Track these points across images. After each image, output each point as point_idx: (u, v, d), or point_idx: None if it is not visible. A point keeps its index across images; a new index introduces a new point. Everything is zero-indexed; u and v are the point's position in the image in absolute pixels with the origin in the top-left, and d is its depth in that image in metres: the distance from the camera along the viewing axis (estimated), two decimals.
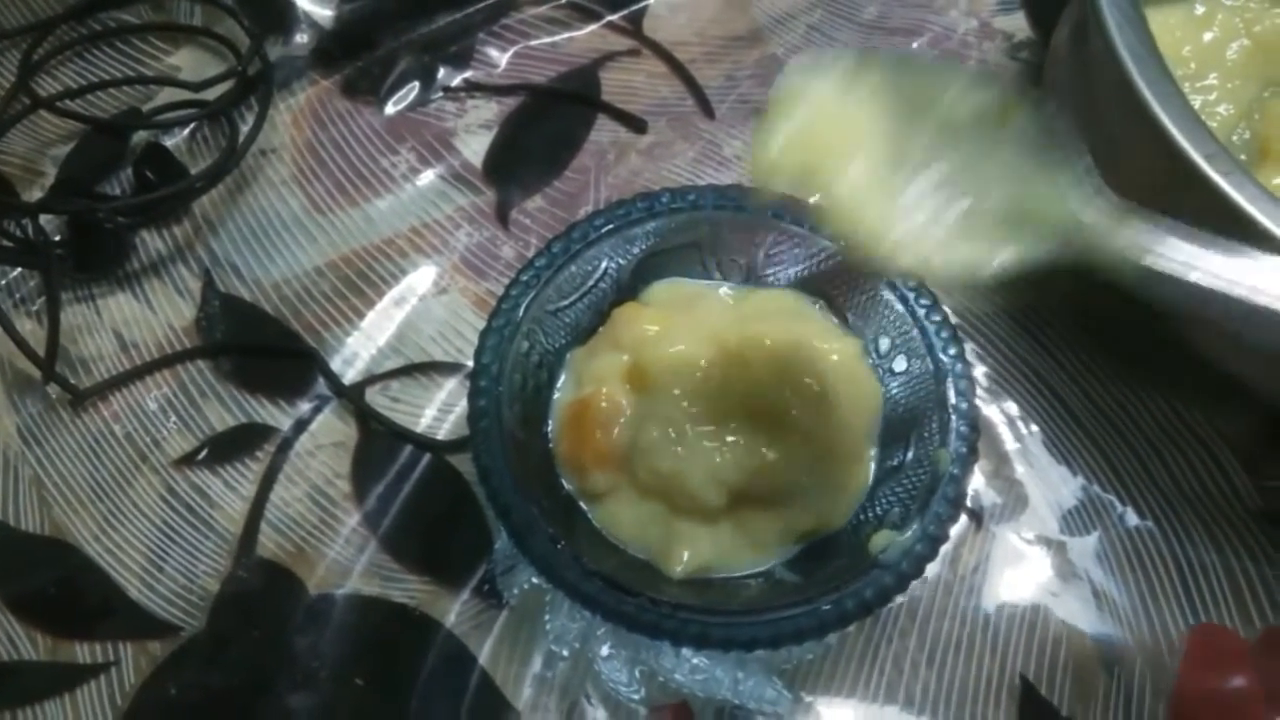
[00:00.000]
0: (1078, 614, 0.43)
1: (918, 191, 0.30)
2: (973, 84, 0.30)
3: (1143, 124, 0.37)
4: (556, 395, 0.42)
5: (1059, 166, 0.29)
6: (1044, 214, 0.29)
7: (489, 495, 0.37)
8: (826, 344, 0.41)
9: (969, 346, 0.48)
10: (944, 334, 0.40)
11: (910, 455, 0.40)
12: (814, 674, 0.42)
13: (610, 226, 0.42)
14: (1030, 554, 0.44)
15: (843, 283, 0.43)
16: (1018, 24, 0.58)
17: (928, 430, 0.39)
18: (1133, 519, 0.45)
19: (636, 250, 0.43)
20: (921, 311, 0.41)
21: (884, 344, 0.42)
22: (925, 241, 0.30)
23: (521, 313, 0.40)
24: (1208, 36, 0.45)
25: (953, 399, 0.39)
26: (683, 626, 0.35)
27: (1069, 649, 0.42)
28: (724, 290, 0.44)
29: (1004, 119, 0.30)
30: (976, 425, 0.38)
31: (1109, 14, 0.39)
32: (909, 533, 0.36)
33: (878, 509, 0.39)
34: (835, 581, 0.36)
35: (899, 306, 0.41)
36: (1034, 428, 0.46)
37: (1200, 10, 0.46)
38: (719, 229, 0.43)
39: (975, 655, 0.42)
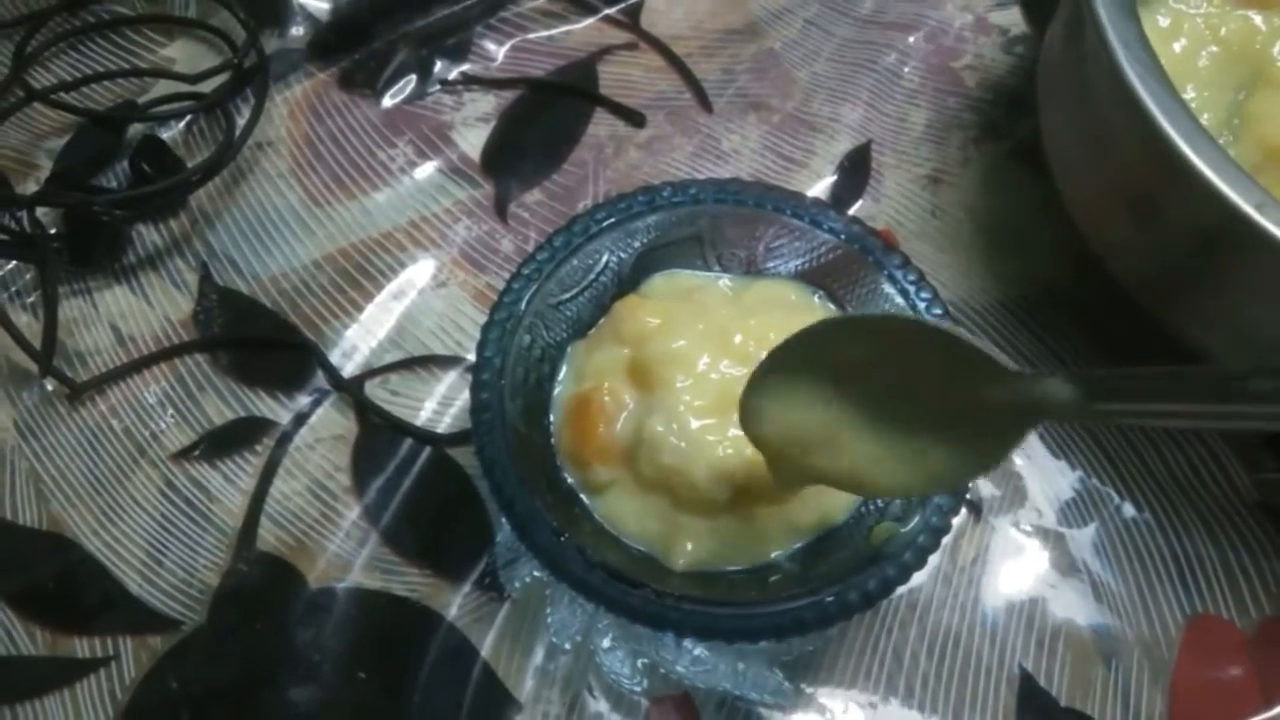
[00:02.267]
0: (1076, 605, 0.43)
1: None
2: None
3: (1133, 116, 0.38)
4: (558, 389, 0.42)
5: (984, 368, 0.30)
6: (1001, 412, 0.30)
7: (493, 488, 0.37)
8: None
9: None
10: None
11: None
12: (814, 665, 0.42)
13: (611, 220, 0.42)
14: (1029, 546, 0.44)
15: (842, 275, 0.43)
16: (1013, 19, 0.58)
17: None
18: (1130, 511, 0.45)
19: (637, 243, 0.43)
20: (922, 305, 0.41)
21: None
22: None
23: (524, 306, 0.40)
24: (1177, 47, 0.46)
25: None
26: (687, 618, 0.35)
27: (1067, 640, 0.43)
28: (724, 282, 0.44)
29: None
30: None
31: (1101, 7, 0.40)
32: (911, 524, 0.36)
33: (879, 500, 0.39)
34: (838, 573, 0.37)
35: (899, 300, 0.41)
36: None
37: (1165, 22, 0.46)
38: (719, 222, 0.43)
39: (974, 646, 0.43)
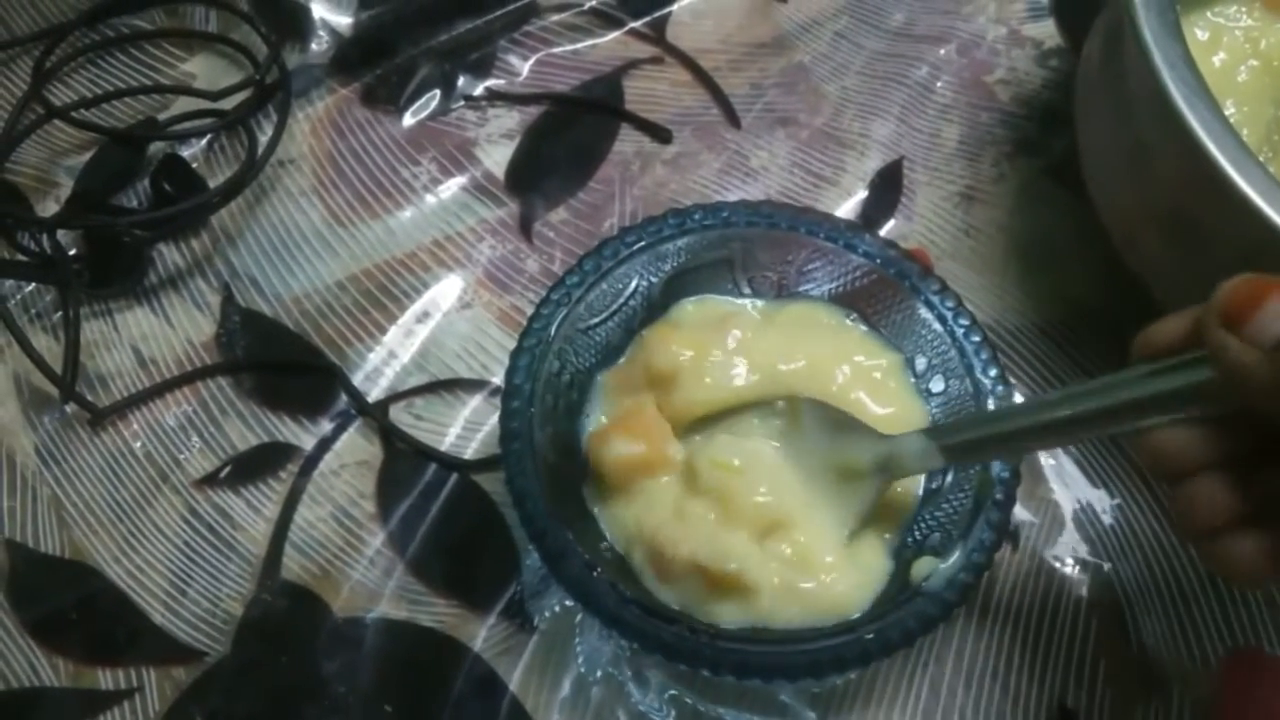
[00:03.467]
0: (1115, 637, 0.42)
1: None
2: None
3: (1177, 136, 0.37)
4: (587, 421, 0.41)
5: (852, 433, 0.38)
6: (862, 467, 0.37)
7: (523, 520, 0.36)
8: (868, 359, 0.41)
9: (1002, 361, 0.47)
10: (983, 355, 0.39)
11: (949, 478, 0.39)
12: (848, 698, 0.41)
13: (642, 243, 0.42)
14: (1067, 577, 0.43)
15: (877, 300, 0.42)
16: (1047, 31, 0.57)
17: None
18: (1170, 541, 0.44)
19: (668, 267, 0.43)
20: (960, 330, 0.40)
21: (920, 363, 0.41)
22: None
23: (553, 332, 0.40)
24: (1216, 61, 0.45)
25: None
26: (722, 655, 0.34)
27: (1107, 672, 0.42)
28: (755, 307, 0.43)
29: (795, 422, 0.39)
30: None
31: (1146, 27, 0.39)
32: (951, 560, 0.36)
33: (918, 534, 0.38)
34: (877, 609, 0.36)
35: (936, 326, 0.40)
36: (1070, 447, 0.46)
37: (1204, 36, 0.45)
38: (751, 245, 0.43)
39: (1013, 680, 0.42)
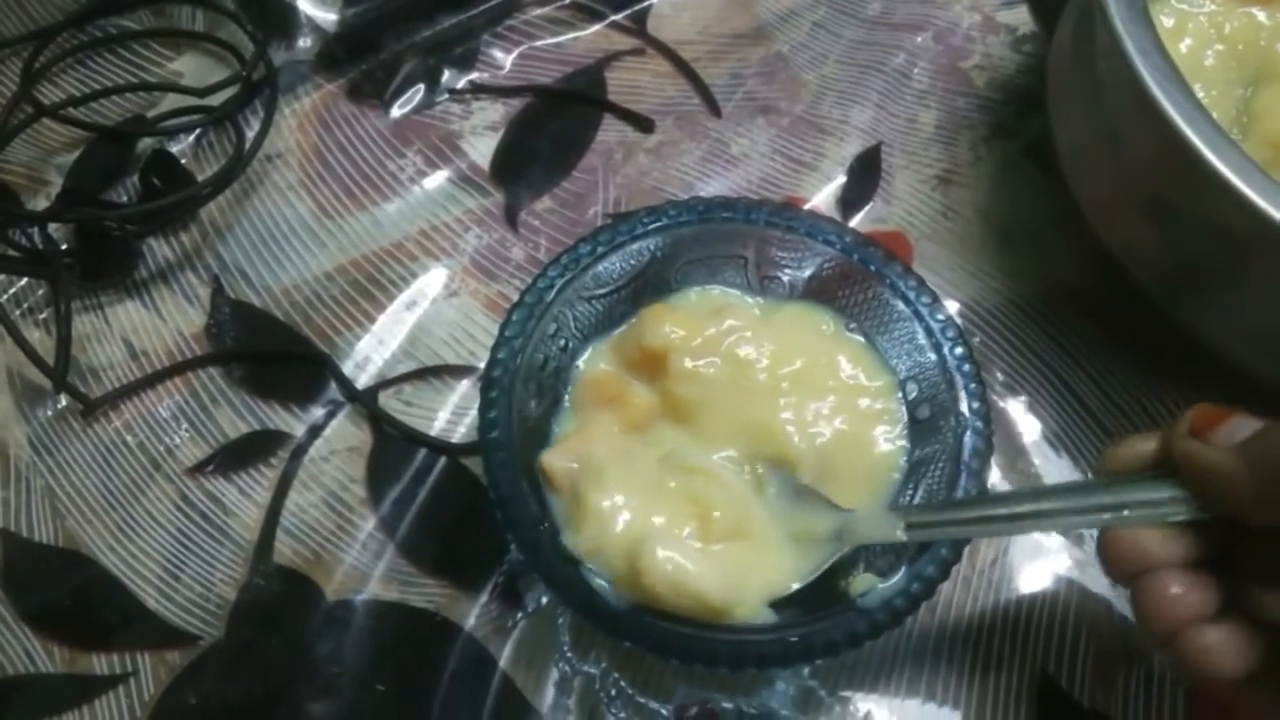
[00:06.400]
0: (1096, 605, 0.43)
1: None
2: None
3: (1151, 119, 0.37)
4: (579, 367, 0.42)
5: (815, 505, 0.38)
6: (820, 533, 0.37)
7: (487, 472, 0.37)
8: (865, 377, 0.41)
9: (979, 340, 0.48)
10: (972, 385, 0.39)
11: (915, 501, 0.39)
12: (836, 670, 0.42)
13: (659, 224, 0.42)
14: (1048, 546, 0.44)
15: (876, 316, 0.42)
16: (1021, 18, 0.58)
17: (935, 482, 0.39)
18: None
19: (683, 253, 0.43)
20: (947, 346, 0.40)
21: (911, 390, 0.41)
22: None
23: (554, 295, 0.40)
24: (1183, 47, 0.45)
25: (966, 456, 0.38)
26: (645, 631, 0.35)
27: (1088, 640, 0.42)
28: (757, 304, 0.44)
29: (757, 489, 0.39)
30: (985, 488, 0.38)
31: (1116, 14, 0.39)
32: (891, 581, 0.36)
33: (876, 549, 0.38)
34: (805, 613, 0.36)
35: (931, 355, 0.40)
36: (1049, 420, 0.46)
37: (1169, 22, 0.46)
38: (766, 245, 0.43)
39: (995, 648, 0.42)
